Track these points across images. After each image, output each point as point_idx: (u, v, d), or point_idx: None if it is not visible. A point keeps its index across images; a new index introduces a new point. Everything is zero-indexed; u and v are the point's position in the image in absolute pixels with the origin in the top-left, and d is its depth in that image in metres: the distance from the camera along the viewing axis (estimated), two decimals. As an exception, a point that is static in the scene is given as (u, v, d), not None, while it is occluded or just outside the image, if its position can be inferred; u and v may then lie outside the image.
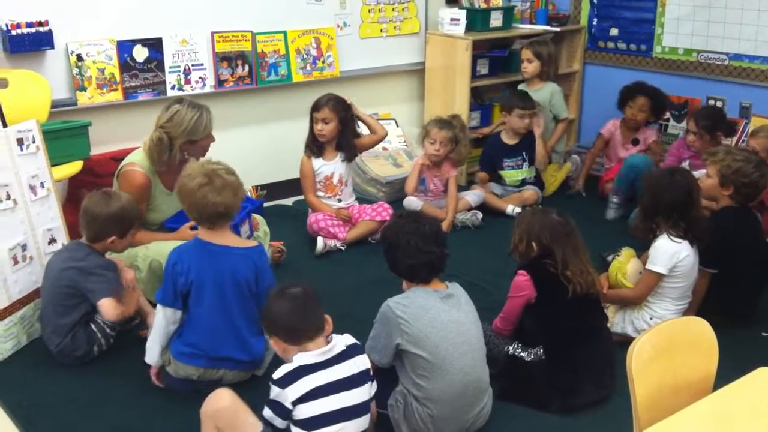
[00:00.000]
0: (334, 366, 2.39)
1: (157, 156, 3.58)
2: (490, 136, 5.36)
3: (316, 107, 4.43)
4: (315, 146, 4.51)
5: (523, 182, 5.10)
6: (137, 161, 3.63)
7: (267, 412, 2.39)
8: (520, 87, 5.39)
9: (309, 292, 2.51)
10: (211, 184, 2.89)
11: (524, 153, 5.06)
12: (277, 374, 2.36)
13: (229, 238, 3.01)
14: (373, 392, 2.51)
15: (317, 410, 2.33)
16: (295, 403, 2.32)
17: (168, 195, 3.70)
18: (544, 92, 5.33)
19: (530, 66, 5.28)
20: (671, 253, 3.27)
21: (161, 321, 2.97)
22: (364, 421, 2.45)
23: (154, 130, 3.61)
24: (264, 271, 3.01)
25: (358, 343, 2.53)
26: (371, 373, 2.49)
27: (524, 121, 4.99)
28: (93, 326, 3.24)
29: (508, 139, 5.09)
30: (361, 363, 2.46)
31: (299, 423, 2.35)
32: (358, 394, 2.42)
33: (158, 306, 2.97)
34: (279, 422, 2.38)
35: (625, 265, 3.47)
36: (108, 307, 3.13)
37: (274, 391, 2.35)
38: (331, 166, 4.53)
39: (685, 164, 4.55)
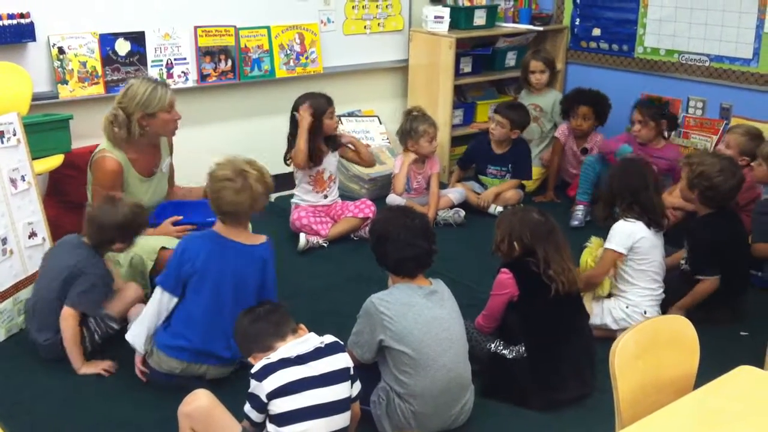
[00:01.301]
0: (312, 362, 2.40)
1: (113, 133, 3.54)
2: (477, 135, 5.35)
3: (325, 109, 4.35)
4: (316, 157, 4.42)
5: None
6: (107, 147, 3.60)
7: (246, 406, 2.41)
8: (522, 93, 5.46)
9: (276, 307, 2.56)
10: (233, 182, 2.87)
11: (510, 165, 5.03)
12: (255, 368, 2.39)
13: (241, 235, 2.99)
14: (356, 392, 2.50)
15: (292, 405, 2.34)
16: (271, 396, 2.33)
17: (142, 181, 3.67)
18: (548, 98, 5.38)
19: (543, 77, 5.34)
20: (627, 233, 3.36)
21: (154, 305, 2.95)
22: (341, 419, 2.44)
23: (111, 109, 3.58)
24: (269, 263, 3.00)
25: (340, 342, 2.52)
26: (352, 372, 2.48)
27: (490, 124, 5.00)
28: (92, 324, 3.19)
29: (497, 148, 5.04)
30: (341, 361, 2.45)
31: (275, 419, 2.36)
32: (336, 392, 2.42)
33: (157, 288, 2.95)
34: (255, 415, 2.39)
35: (595, 250, 3.56)
36: (66, 315, 3.08)
37: (252, 384, 2.38)
38: (323, 162, 4.50)
39: None
